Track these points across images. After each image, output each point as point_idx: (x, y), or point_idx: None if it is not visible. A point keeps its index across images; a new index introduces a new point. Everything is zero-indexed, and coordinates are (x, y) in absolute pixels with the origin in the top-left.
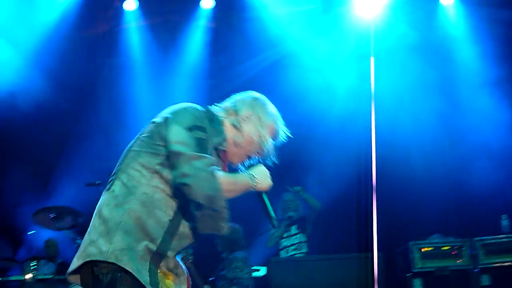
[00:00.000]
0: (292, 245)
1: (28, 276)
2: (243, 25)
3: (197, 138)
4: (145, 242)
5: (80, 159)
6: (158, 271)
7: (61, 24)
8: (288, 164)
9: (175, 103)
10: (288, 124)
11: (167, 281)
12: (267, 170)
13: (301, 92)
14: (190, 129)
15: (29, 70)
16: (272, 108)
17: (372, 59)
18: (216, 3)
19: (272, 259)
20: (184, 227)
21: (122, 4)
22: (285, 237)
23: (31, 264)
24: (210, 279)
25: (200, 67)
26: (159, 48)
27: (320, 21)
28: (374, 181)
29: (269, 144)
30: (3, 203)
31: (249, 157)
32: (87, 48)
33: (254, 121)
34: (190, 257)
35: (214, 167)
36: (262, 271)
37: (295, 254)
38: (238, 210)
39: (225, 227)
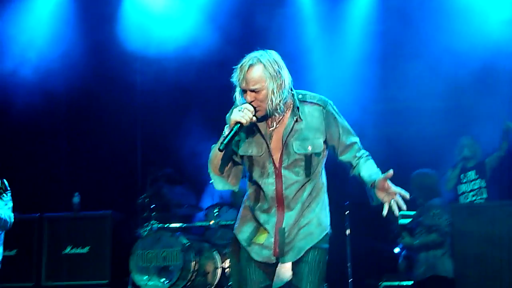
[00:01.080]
0: (471, 190)
1: (212, 222)
2: None
3: None
4: (245, 210)
5: None
6: (259, 228)
7: None
8: (462, 107)
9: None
10: (463, 66)
11: (262, 235)
12: (237, 108)
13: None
14: None
15: (203, 25)
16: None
17: None
18: None
19: (453, 204)
20: (253, 191)
21: None
22: (464, 182)
23: (214, 211)
24: (408, 226)
25: (370, 14)
26: None
27: None
28: None
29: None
30: (185, 154)
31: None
32: None
33: None
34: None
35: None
36: None
37: (474, 200)
38: (427, 155)
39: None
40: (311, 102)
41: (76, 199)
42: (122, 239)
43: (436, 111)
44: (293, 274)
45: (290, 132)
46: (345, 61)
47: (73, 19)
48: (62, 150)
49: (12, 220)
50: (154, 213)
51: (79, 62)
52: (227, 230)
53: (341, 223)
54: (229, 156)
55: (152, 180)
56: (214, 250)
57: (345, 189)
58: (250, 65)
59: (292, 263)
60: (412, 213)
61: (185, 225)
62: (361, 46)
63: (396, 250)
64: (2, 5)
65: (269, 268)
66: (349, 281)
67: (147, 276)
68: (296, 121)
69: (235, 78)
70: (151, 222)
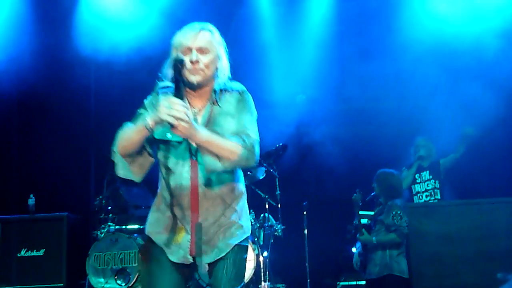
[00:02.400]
0: (425, 190)
1: None
2: None
3: None
4: (160, 208)
5: None
6: (177, 226)
7: None
8: (417, 107)
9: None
10: (419, 67)
11: (180, 234)
12: (164, 100)
13: None
14: None
15: (159, 26)
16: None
17: None
18: None
19: (408, 204)
20: (168, 183)
21: None
22: (418, 183)
23: None
24: (368, 222)
25: (328, 15)
26: None
27: None
28: None
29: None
30: None
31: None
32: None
33: None
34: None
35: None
36: None
37: (428, 200)
38: (383, 155)
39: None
40: (231, 90)
41: (31, 201)
42: (78, 241)
43: (392, 112)
44: (210, 273)
45: (208, 119)
46: (304, 61)
47: (25, 21)
48: (15, 152)
49: None
50: (111, 214)
51: (31, 65)
52: None
53: (300, 223)
54: (142, 141)
55: (109, 181)
56: None
57: (304, 189)
58: (202, 28)
59: (209, 263)
60: (372, 213)
61: (142, 226)
62: (320, 46)
63: (354, 250)
64: None
65: (186, 271)
66: (308, 281)
67: (104, 279)
68: (213, 105)
69: (178, 37)
70: (108, 224)
